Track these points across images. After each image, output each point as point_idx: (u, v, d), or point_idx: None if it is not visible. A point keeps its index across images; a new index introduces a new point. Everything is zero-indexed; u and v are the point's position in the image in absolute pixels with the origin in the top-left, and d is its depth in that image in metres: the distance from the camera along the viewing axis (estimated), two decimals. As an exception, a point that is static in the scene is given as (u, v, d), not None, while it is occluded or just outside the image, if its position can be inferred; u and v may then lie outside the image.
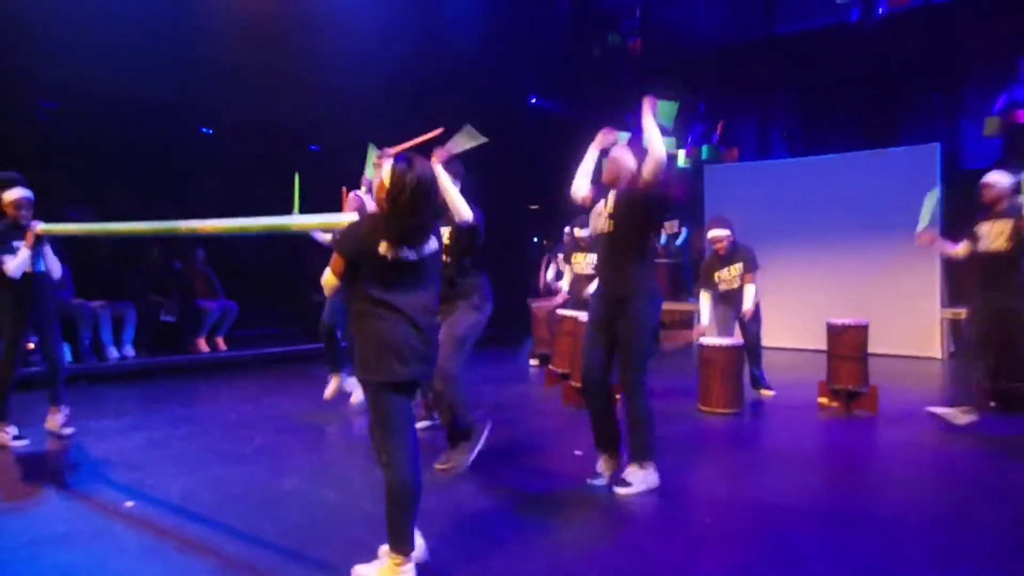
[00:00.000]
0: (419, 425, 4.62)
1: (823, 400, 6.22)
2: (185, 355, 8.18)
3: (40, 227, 4.74)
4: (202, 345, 8.39)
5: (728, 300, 6.55)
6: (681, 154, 11.93)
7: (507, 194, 11.59)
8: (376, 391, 2.76)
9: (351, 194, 5.43)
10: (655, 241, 4.07)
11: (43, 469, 4.46)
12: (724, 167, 11.48)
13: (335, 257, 2.78)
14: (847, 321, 6.17)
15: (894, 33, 10.39)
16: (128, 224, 4.28)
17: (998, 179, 5.16)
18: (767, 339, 6.83)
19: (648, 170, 3.79)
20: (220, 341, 8.64)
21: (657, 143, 3.79)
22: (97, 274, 7.90)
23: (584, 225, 6.95)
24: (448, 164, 4.17)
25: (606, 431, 4.10)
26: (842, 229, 9.87)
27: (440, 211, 2.96)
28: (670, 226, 11.22)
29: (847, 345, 6.04)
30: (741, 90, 12.56)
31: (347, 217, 3.28)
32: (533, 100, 12.95)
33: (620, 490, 3.85)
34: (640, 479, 3.89)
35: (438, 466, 4.22)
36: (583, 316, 6.57)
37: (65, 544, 3.23)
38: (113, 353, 7.65)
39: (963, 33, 10.34)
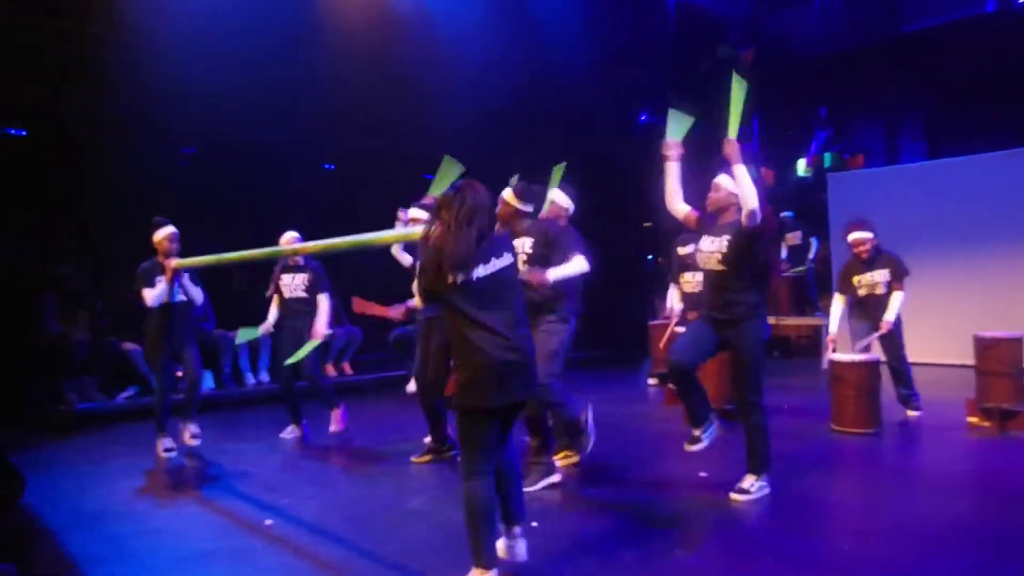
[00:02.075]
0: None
1: (973, 419, 5.75)
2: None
3: (175, 262, 5.30)
4: (329, 370, 8.76)
5: (865, 309, 6.11)
6: (802, 163, 11.49)
7: (620, 213, 11.50)
8: (462, 413, 2.90)
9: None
10: (763, 264, 4.09)
11: (189, 489, 4.76)
12: (849, 175, 10.92)
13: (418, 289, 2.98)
14: (997, 334, 5.70)
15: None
16: (242, 252, 4.94)
17: None
18: (908, 354, 6.34)
19: (746, 219, 3.85)
20: (346, 366, 9.01)
21: (749, 195, 3.78)
22: (235, 306, 8.44)
23: (686, 243, 6.76)
24: (522, 193, 4.26)
25: (695, 409, 4.18)
26: (985, 235, 9.15)
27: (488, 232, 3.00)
28: (791, 238, 10.76)
29: (998, 360, 5.57)
30: (865, 94, 11.92)
31: (419, 230, 3.36)
32: (643, 117, 12.83)
33: (737, 496, 4.01)
34: (757, 488, 4.05)
35: (557, 459, 4.32)
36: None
37: (212, 561, 3.43)
38: (250, 379, 8.14)
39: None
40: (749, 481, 4.06)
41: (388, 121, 9.65)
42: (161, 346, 5.42)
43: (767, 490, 4.09)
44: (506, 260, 2.96)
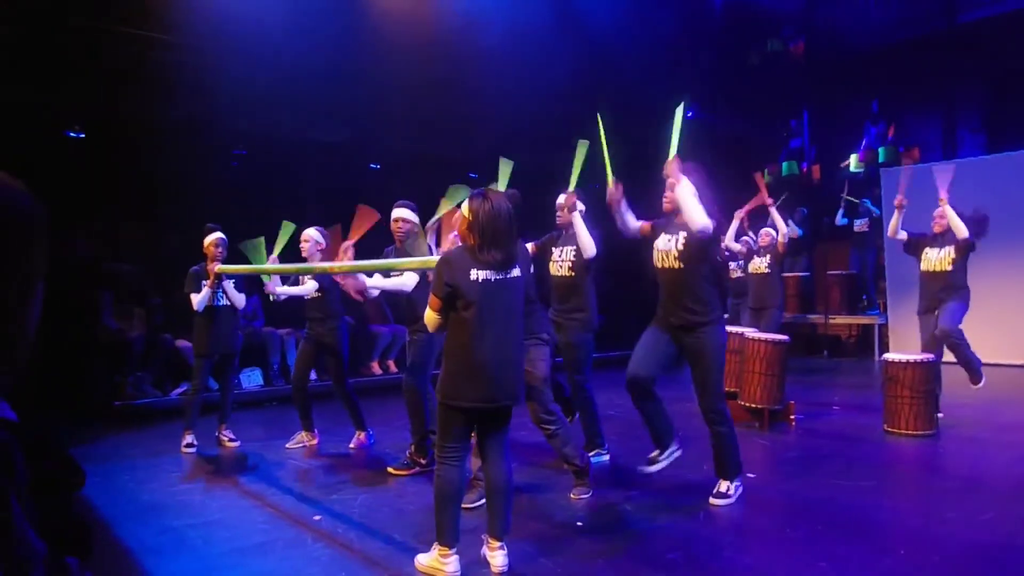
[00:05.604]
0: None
1: (1036, 422, 5.55)
2: (360, 377, 8.67)
3: (219, 267, 5.55)
4: (375, 367, 8.86)
5: (929, 288, 5.94)
6: (854, 159, 11.20)
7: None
8: (443, 407, 3.05)
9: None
10: (715, 265, 4.32)
11: (241, 483, 4.85)
12: (904, 169, 10.60)
13: (431, 298, 3.02)
14: (1062, 333, 5.48)
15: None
16: (282, 265, 5.37)
17: None
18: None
19: (698, 235, 3.82)
20: (391, 363, 9.09)
21: (696, 214, 3.77)
22: (284, 305, 8.55)
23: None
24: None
25: (656, 428, 4.14)
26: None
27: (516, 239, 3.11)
28: (860, 226, 10.47)
29: (1063, 360, 5.36)
30: (920, 87, 11.55)
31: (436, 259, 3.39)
32: (690, 114, 12.66)
33: (716, 501, 3.97)
34: (734, 490, 4.02)
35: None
36: (750, 332, 6.31)
37: (264, 553, 3.50)
38: (299, 376, 8.25)
39: None
40: (725, 486, 4.01)
41: (435, 121, 9.72)
42: (206, 347, 5.65)
43: (741, 489, 4.07)
44: (518, 272, 3.07)
